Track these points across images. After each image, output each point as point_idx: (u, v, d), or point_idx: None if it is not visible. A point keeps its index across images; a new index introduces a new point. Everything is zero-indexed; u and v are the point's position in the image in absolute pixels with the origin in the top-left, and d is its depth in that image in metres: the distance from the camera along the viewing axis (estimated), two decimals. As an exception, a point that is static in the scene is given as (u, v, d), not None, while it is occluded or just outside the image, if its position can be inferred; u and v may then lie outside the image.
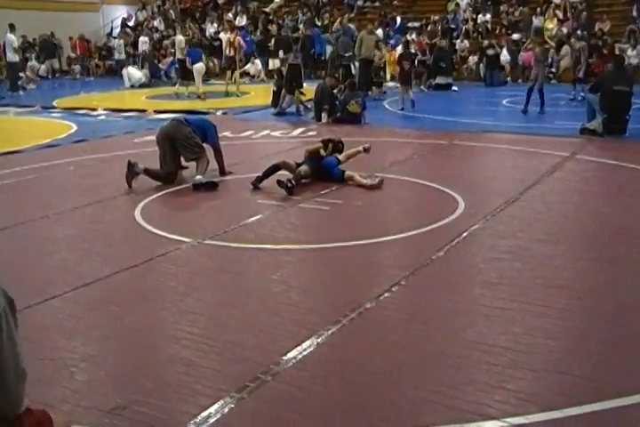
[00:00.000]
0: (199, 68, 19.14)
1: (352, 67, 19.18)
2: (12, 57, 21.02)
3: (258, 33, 27.44)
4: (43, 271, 5.52)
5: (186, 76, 19.59)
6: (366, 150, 8.80)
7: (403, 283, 4.95)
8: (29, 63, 25.59)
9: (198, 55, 19.49)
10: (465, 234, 6.10)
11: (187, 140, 8.39)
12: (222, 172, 8.93)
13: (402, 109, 15.67)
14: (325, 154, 8.44)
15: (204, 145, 8.60)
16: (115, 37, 28.63)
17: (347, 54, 19.14)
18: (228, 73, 19.82)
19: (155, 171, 8.42)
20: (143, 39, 26.70)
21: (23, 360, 2.09)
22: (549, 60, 16.75)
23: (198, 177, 8.19)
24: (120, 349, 4.12)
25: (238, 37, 20.25)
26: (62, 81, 27.75)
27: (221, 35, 21.07)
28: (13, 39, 21.06)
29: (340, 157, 8.54)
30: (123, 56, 25.66)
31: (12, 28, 20.91)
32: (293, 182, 7.77)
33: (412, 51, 21.29)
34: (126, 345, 4.17)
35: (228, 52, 19.73)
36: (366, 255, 5.75)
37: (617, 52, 19.26)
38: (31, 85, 23.76)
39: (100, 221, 6.99)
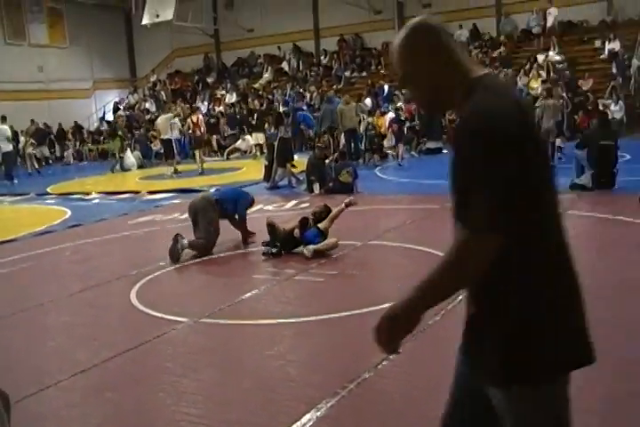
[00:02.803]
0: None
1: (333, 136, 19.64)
2: (6, 147, 21.43)
3: (244, 110, 27.91)
4: (38, 360, 5.48)
5: (171, 155, 20.12)
6: (348, 205, 8.64)
7: (400, 350, 4.90)
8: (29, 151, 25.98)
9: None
10: (460, 297, 6.03)
11: (207, 224, 8.67)
12: (244, 241, 9.14)
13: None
14: (300, 233, 8.39)
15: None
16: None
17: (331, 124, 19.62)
18: (197, 152, 20.12)
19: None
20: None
21: None
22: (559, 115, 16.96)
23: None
24: (117, 435, 4.07)
25: (201, 118, 20.99)
26: (56, 167, 28.07)
27: (189, 118, 21.56)
28: (6, 129, 21.64)
29: (323, 224, 8.42)
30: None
31: (3, 119, 21.60)
32: (277, 245, 8.18)
33: (402, 118, 21.71)
34: (123, 431, 4.12)
35: (193, 132, 20.38)
36: (363, 325, 5.67)
37: (601, 108, 19.57)
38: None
39: (96, 306, 6.97)
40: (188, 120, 20.73)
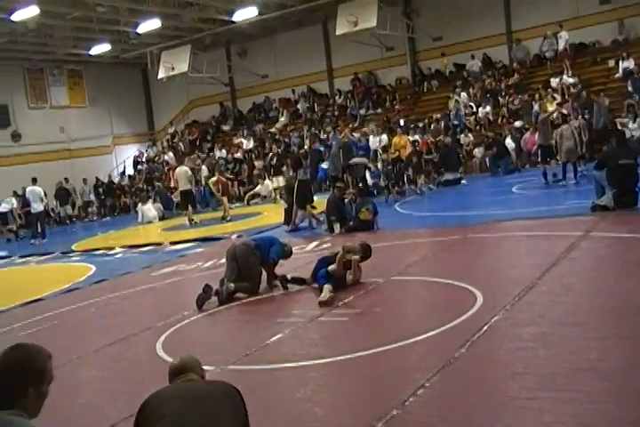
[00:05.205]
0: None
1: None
2: (38, 207, 21.88)
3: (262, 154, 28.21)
4: (69, 416, 5.46)
5: (191, 204, 20.84)
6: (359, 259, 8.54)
7: (427, 385, 4.86)
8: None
9: None
10: (485, 327, 6.02)
11: (251, 269, 8.99)
12: (269, 283, 9.28)
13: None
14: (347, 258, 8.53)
15: None
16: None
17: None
18: (224, 199, 20.74)
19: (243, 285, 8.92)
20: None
21: None
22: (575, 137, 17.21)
23: (232, 285, 8.71)
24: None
25: (221, 178, 22.08)
26: (82, 224, 28.42)
27: (211, 179, 22.39)
28: (40, 190, 22.38)
29: (349, 277, 8.40)
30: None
31: (34, 181, 22.46)
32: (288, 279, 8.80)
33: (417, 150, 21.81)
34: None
35: (216, 191, 21.42)
36: (388, 362, 5.66)
37: (618, 127, 19.48)
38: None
39: (123, 360, 6.97)
40: (210, 181, 21.25)
